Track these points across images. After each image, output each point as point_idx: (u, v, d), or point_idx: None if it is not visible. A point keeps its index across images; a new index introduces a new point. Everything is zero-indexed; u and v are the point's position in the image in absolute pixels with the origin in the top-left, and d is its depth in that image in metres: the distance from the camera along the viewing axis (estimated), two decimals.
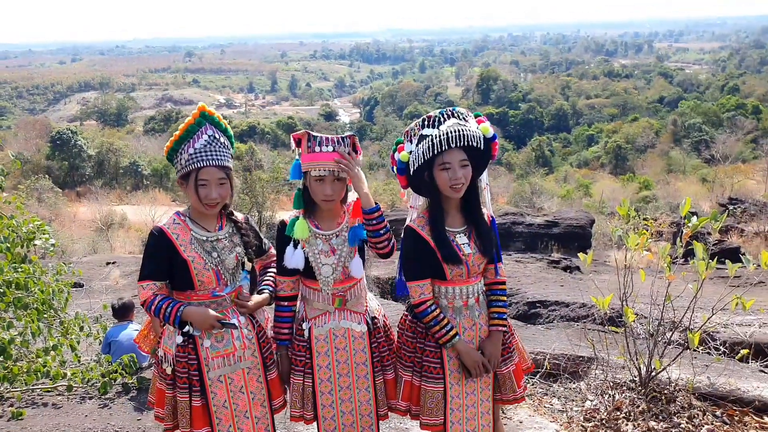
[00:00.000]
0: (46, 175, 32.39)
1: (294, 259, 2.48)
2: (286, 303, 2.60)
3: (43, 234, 5.10)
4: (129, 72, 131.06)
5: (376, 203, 2.45)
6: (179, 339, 2.44)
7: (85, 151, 40.59)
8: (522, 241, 17.81)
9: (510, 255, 15.11)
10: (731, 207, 21.82)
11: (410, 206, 2.65)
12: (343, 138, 2.45)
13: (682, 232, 3.43)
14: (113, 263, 14.74)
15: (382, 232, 2.45)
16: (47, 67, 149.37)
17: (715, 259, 3.24)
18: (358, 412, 2.56)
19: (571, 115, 69.29)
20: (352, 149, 2.46)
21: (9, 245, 4.56)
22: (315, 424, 2.59)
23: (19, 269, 4.55)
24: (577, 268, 12.80)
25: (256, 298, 2.55)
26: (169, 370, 2.47)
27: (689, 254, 3.53)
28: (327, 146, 2.40)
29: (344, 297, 2.54)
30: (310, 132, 2.46)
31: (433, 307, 2.48)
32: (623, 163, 46.87)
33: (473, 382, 2.54)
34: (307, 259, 2.50)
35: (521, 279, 10.37)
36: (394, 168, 2.55)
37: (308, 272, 2.53)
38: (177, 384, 2.46)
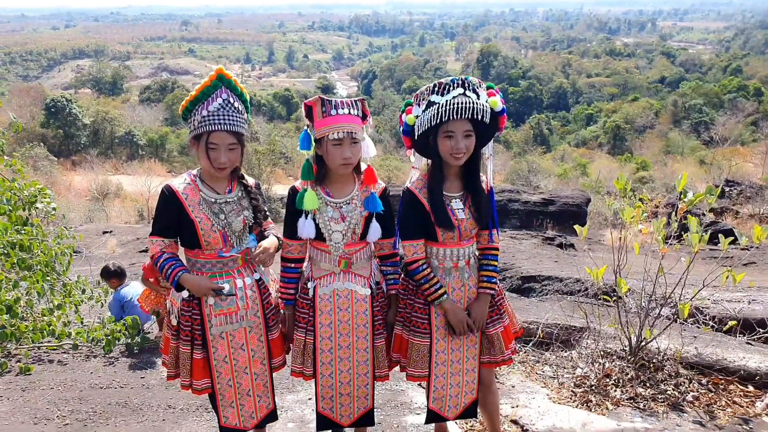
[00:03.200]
0: (41, 143, 32.17)
1: (306, 229, 2.55)
2: (293, 265, 2.66)
3: (45, 197, 5.15)
4: (124, 40, 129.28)
5: None
6: (185, 293, 2.53)
7: (80, 119, 40.25)
8: (518, 218, 17.88)
9: (505, 231, 15.21)
10: (727, 189, 21.93)
11: (413, 167, 2.72)
12: (355, 101, 2.50)
13: (677, 207, 3.50)
14: (110, 232, 14.83)
15: None
16: (40, 32, 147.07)
17: (708, 234, 3.32)
18: (355, 372, 2.65)
19: (570, 94, 68.98)
20: (362, 113, 2.52)
21: (11, 208, 4.61)
22: (313, 381, 2.69)
23: (22, 231, 4.61)
24: (572, 245, 12.90)
25: (266, 243, 2.59)
26: (174, 322, 2.56)
27: (684, 230, 3.62)
28: (343, 109, 2.45)
29: (350, 260, 2.61)
30: (323, 97, 2.48)
31: (424, 266, 2.58)
32: (621, 143, 46.86)
33: (459, 340, 2.64)
34: (317, 224, 2.56)
35: (516, 254, 10.48)
36: (401, 128, 2.61)
37: (318, 235, 2.59)
38: (180, 336, 2.55)
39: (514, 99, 65.33)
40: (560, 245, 13.01)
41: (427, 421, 2.79)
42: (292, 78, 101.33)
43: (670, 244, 3.60)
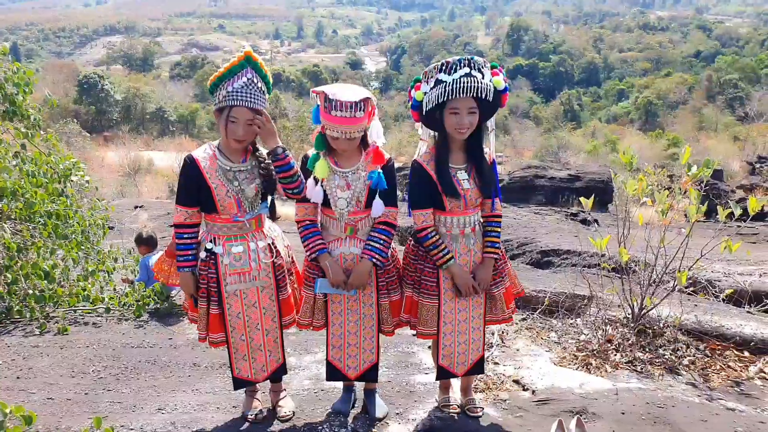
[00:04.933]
0: (74, 120, 32.94)
1: (314, 194, 2.76)
2: (307, 222, 2.82)
3: (79, 171, 5.44)
4: (154, 16, 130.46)
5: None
6: (203, 254, 2.78)
7: (111, 95, 41.02)
8: (543, 194, 17.79)
9: (530, 207, 15.20)
10: (758, 165, 21.39)
11: (421, 138, 2.90)
12: (356, 103, 2.55)
13: (702, 185, 3.56)
14: (141, 207, 15.30)
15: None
16: (72, 9, 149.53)
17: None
18: (362, 325, 2.89)
19: (602, 69, 67.61)
20: (366, 111, 2.61)
21: (47, 180, 4.89)
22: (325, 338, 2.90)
23: (58, 202, 4.90)
24: (596, 221, 12.86)
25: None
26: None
27: (713, 212, 3.67)
28: (342, 111, 2.56)
29: (355, 226, 2.81)
30: (327, 94, 2.59)
31: (433, 233, 2.77)
32: (653, 119, 45.91)
33: (465, 301, 2.85)
34: (324, 191, 2.76)
35: (537, 229, 10.53)
36: (410, 103, 2.78)
37: (326, 202, 2.80)
38: (198, 292, 2.81)
39: (545, 74, 64.30)
40: (584, 221, 13.00)
41: (438, 377, 3.01)
42: (321, 54, 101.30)
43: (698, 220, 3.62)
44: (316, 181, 2.73)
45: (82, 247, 5.01)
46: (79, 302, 4.76)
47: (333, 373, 2.96)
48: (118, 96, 41.46)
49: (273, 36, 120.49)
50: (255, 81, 2.65)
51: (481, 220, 2.90)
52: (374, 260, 2.76)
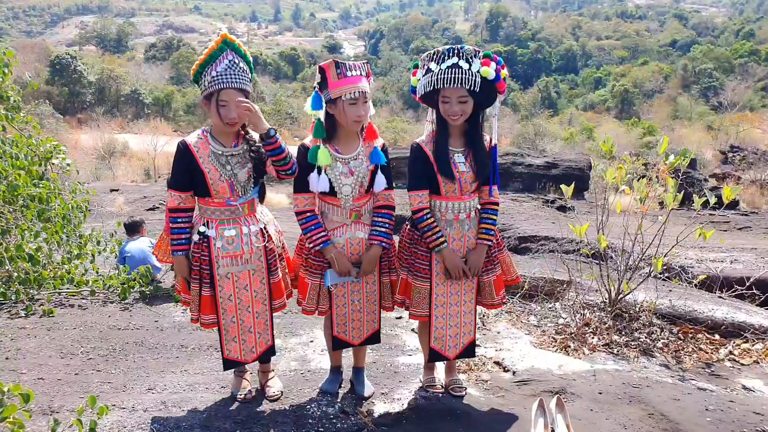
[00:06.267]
0: (47, 101, 32.20)
1: (320, 184, 2.80)
2: (308, 214, 2.86)
3: (60, 154, 5.39)
4: None
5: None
6: (195, 237, 2.82)
7: (85, 77, 40.17)
8: (521, 181, 18.00)
9: (507, 194, 15.41)
10: (731, 155, 21.95)
11: (426, 120, 2.98)
12: (363, 64, 2.76)
13: (679, 174, 3.69)
14: (117, 191, 15.14)
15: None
16: None
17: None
18: (365, 301, 3.00)
19: (579, 57, 68.11)
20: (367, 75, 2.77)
21: (29, 163, 4.85)
22: (318, 319, 2.96)
23: (40, 185, 4.86)
24: (572, 208, 13.07)
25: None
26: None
27: (687, 200, 3.78)
28: (355, 71, 2.70)
29: (359, 211, 2.88)
30: (338, 60, 2.73)
31: (428, 216, 2.85)
32: (629, 107, 46.59)
33: (457, 285, 2.94)
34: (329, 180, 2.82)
35: (515, 216, 10.71)
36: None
37: (329, 189, 2.83)
38: (191, 275, 2.85)
39: (523, 61, 64.56)
40: (560, 208, 13.24)
41: (430, 360, 3.10)
42: (298, 37, 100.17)
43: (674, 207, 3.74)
44: (319, 171, 2.77)
45: (64, 230, 4.99)
46: (64, 285, 4.76)
47: (339, 343, 3.05)
48: (91, 77, 40.63)
49: (250, 18, 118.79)
50: (237, 62, 2.69)
51: (479, 207, 2.96)
52: (384, 245, 2.87)
